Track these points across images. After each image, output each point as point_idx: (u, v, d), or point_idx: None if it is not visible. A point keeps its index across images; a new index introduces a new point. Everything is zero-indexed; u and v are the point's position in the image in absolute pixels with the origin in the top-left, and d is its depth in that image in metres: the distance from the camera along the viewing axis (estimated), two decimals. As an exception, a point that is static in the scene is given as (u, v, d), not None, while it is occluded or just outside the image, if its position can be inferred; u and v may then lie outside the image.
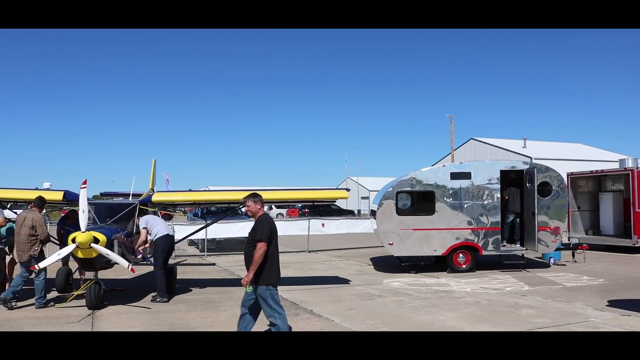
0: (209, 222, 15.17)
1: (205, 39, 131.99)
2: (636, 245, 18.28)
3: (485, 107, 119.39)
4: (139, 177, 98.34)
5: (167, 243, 11.35)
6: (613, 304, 10.23)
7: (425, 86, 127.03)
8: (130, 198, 14.48)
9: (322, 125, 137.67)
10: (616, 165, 20.62)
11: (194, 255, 20.33)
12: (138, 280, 13.28)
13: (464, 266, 14.61)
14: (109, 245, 9.91)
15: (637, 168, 18.84)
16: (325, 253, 20.93)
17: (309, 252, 21.08)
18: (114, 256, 9.65)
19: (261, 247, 6.65)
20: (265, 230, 6.74)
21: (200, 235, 18.75)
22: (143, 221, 11.31)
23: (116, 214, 11.47)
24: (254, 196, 7.10)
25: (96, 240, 9.54)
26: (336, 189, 11.69)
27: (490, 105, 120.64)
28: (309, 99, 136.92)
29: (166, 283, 11.12)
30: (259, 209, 7.05)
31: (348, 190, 11.65)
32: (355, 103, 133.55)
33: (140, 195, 14.30)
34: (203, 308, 10.31)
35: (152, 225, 11.30)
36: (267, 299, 6.77)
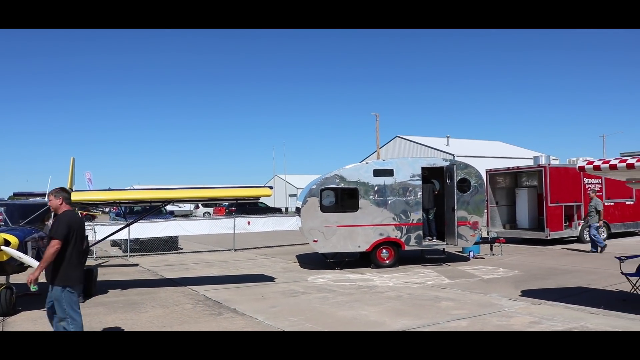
0: (129, 221, 14.77)
1: (123, 36, 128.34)
2: (548, 238, 19.21)
3: (411, 106, 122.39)
4: (56, 177, 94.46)
5: None
6: (525, 293, 10.73)
7: (352, 84, 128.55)
8: (46, 198, 13.88)
9: (249, 123, 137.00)
10: (531, 162, 21.55)
11: (117, 256, 19.77)
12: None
13: (387, 261, 14.90)
14: (22, 248, 9.48)
15: (549, 165, 19.78)
16: (251, 251, 20.84)
17: (235, 250, 20.94)
18: (26, 259, 9.20)
19: (54, 245, 6.19)
20: (61, 228, 6.27)
21: (123, 235, 18.27)
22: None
23: (30, 215, 11.00)
24: (57, 191, 6.61)
25: (7, 243, 9.11)
26: (259, 186, 11.58)
27: (415, 103, 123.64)
28: (235, 97, 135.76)
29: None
30: (60, 204, 6.57)
31: (271, 187, 11.62)
32: (281, 101, 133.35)
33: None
34: (124, 310, 10.06)
35: None
36: (61, 301, 6.28)
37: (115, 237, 17.39)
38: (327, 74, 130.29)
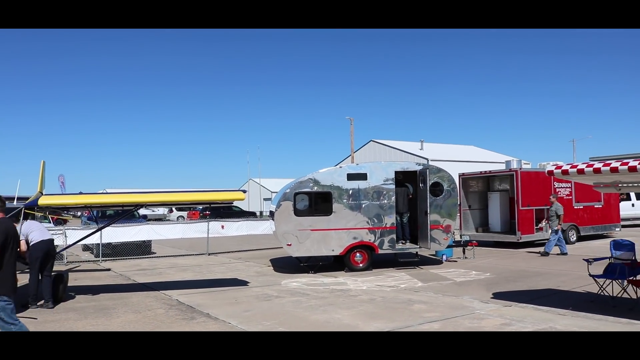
0: (101, 225, 14.60)
1: (90, 37, 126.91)
2: (520, 241, 19.49)
3: (386, 110, 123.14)
4: (26, 180, 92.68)
5: (41, 249, 10.81)
6: (497, 296, 10.86)
7: (327, 87, 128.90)
8: (15, 202, 13.69)
9: (223, 126, 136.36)
10: (503, 167, 21.83)
11: (88, 261, 19.52)
12: (24, 289, 12.56)
13: (361, 265, 14.96)
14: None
15: (520, 169, 20.08)
16: (225, 255, 20.74)
17: (209, 254, 20.81)
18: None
19: None
20: None
21: (94, 239, 18.04)
22: (21, 228, 10.72)
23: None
24: None
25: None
26: (232, 190, 11.54)
27: (390, 108, 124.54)
28: (210, 100, 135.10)
29: (51, 290, 10.68)
30: None
31: (245, 191, 11.60)
32: (256, 104, 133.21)
33: (27, 199, 13.55)
34: (95, 316, 9.94)
35: (28, 232, 10.77)
36: None
37: (86, 241, 17.20)
38: (302, 77, 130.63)
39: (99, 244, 19.12)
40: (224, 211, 41.22)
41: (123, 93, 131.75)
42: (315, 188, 14.76)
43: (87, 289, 12.97)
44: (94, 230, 14.74)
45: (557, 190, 20.73)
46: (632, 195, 28.88)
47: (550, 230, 18.07)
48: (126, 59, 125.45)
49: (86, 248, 22.45)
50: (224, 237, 22.67)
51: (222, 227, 21.80)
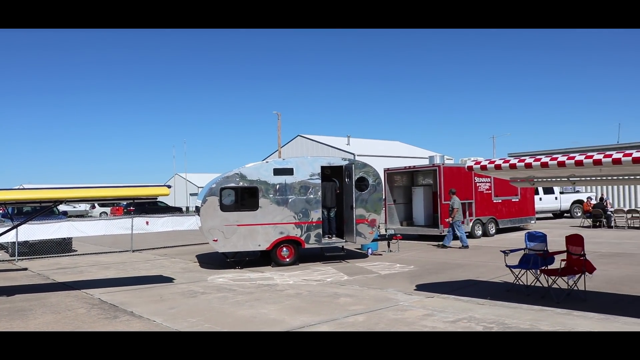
0: (17, 223, 13.94)
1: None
2: (442, 234, 20.07)
3: (313, 105, 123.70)
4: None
5: None
6: (420, 287, 11.17)
7: (254, 81, 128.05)
8: None
9: (148, 120, 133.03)
10: (427, 162, 22.41)
11: (3, 261, 18.60)
12: None
13: (287, 260, 15.01)
14: None
15: (443, 164, 20.69)
16: (149, 252, 20.29)
17: (133, 251, 20.30)
18: None
19: None
20: None
21: (10, 237, 17.21)
22: None
23: None
24: None
25: None
26: (157, 185, 11.27)
27: (317, 102, 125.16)
28: (134, 93, 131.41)
29: None
30: None
31: (170, 187, 11.35)
32: (182, 98, 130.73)
33: None
34: (9, 318, 9.48)
35: None
36: None
37: (1, 239, 16.37)
38: (229, 70, 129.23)
39: (14, 243, 18.25)
40: (149, 207, 40.26)
41: (41, 87, 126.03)
42: (242, 183, 14.67)
43: (0, 290, 12.37)
44: (10, 227, 14.05)
45: (478, 185, 21.50)
46: (540, 189, 30.50)
47: (452, 224, 18.71)
48: (48, 52, 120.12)
49: (0, 247, 21.40)
50: (149, 234, 22.14)
51: (147, 223, 21.30)
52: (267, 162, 15.55)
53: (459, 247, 18.20)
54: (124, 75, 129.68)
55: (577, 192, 33.08)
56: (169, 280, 13.33)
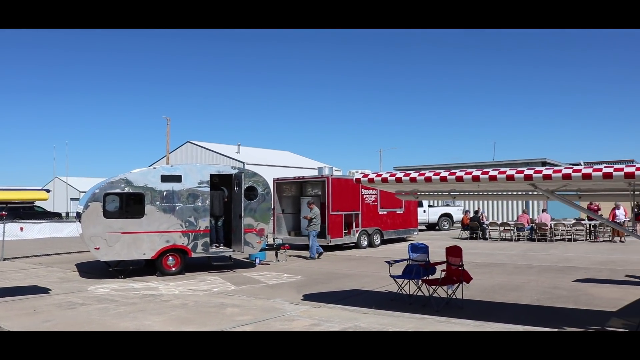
0: None
1: None
2: (330, 244, 20.41)
3: (203, 111, 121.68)
4: None
5: None
6: (307, 297, 11.26)
7: (144, 85, 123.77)
8: None
9: (26, 120, 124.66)
10: (316, 173, 22.71)
11: None
12: None
13: (173, 269, 14.60)
14: None
15: (332, 176, 21.05)
16: (23, 260, 18.96)
17: (4, 259, 18.90)
18: None
19: None
20: None
21: None
22: None
23: None
24: None
25: None
26: (34, 189, 10.60)
27: (208, 109, 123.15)
28: (10, 91, 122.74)
29: None
30: None
31: (48, 191, 10.71)
32: (64, 97, 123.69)
33: None
34: None
35: None
36: None
37: None
38: (117, 73, 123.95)
39: None
40: (24, 212, 37.64)
41: None
42: (127, 189, 14.11)
43: None
44: None
45: (364, 196, 22.08)
46: (424, 202, 32.08)
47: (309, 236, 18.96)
48: None
49: None
50: (24, 240, 20.75)
51: (21, 229, 19.97)
52: (154, 168, 15.09)
53: (309, 258, 18.50)
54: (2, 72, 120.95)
55: (447, 205, 35.00)
56: (44, 290, 12.51)
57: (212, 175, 15.47)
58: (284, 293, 11.87)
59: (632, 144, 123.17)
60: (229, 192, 16.31)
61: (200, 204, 14.99)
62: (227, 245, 16.20)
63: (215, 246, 15.86)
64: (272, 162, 56.96)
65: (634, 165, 7.48)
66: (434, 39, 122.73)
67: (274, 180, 22.15)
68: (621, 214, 24.43)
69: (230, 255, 16.12)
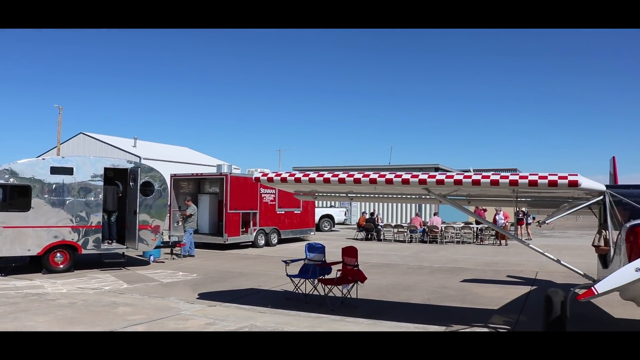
0: None
1: None
2: (227, 243, 20.26)
3: (99, 102, 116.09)
4: None
5: None
6: (203, 296, 11.13)
7: (32, 71, 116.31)
8: None
9: None
10: (214, 170, 22.45)
11: None
12: None
13: (61, 266, 13.92)
14: None
15: (230, 174, 20.91)
16: None
17: None
18: None
19: None
20: None
21: None
22: None
23: None
24: None
25: None
26: None
27: (103, 100, 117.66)
28: None
29: None
30: None
31: None
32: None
33: None
34: None
35: None
36: None
37: None
38: (5, 58, 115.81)
39: None
40: None
41: None
42: (12, 180, 13.29)
43: None
44: None
45: (263, 195, 22.10)
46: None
47: (185, 233, 18.53)
48: None
49: None
50: None
51: None
52: (43, 159, 14.33)
53: (179, 256, 17.98)
54: None
55: (331, 207, 35.76)
56: None
57: (106, 169, 14.92)
58: (179, 292, 11.67)
59: (516, 153, 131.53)
60: (123, 187, 15.78)
61: (92, 199, 14.40)
62: (120, 242, 15.66)
63: (108, 243, 15.30)
64: (171, 158, 55.62)
65: (518, 174, 8.05)
66: (334, 39, 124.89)
67: (171, 177, 21.69)
68: (500, 219, 26.09)
69: (123, 253, 15.59)
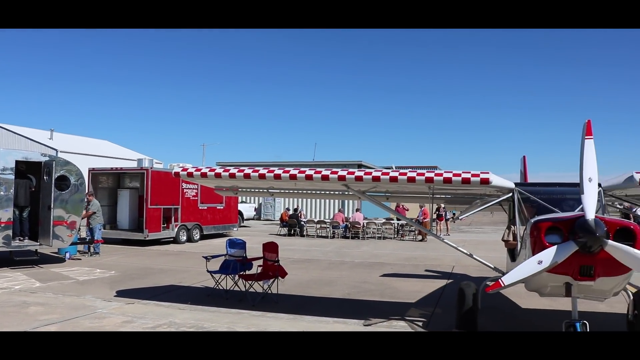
0: None
1: None
2: (147, 239, 19.83)
3: (11, 93, 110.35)
4: None
5: None
6: (121, 294, 10.89)
7: None
8: None
9: None
10: (135, 164, 21.91)
11: None
12: None
13: (-33, 264, 13.24)
14: None
15: (151, 168, 20.46)
16: None
17: None
18: None
19: None
20: None
21: None
22: None
23: None
24: None
25: None
26: None
27: (17, 91, 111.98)
28: None
29: None
30: None
31: None
32: None
33: None
34: None
35: None
36: None
37: None
38: None
39: None
40: None
41: None
42: None
43: None
44: None
45: (185, 191, 21.76)
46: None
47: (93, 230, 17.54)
48: None
49: None
50: None
51: None
52: (-54, 151, 13.56)
53: (92, 254, 17.20)
54: None
55: (242, 202, 35.71)
56: None
57: (17, 162, 14.26)
58: (96, 289, 11.34)
59: (438, 150, 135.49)
60: (37, 181, 15.14)
61: (2, 193, 13.73)
62: (33, 238, 15.02)
63: (19, 239, 14.64)
64: (90, 151, 53.59)
65: (433, 172, 8.34)
66: (258, 33, 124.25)
67: (89, 171, 20.98)
68: (419, 216, 26.86)
69: (36, 250, 14.95)
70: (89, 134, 77.54)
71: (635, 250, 5.85)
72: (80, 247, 17.25)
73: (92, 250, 17.26)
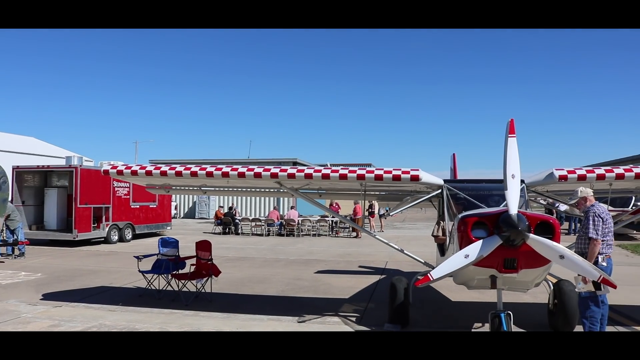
0: None
1: None
2: (77, 239, 19.21)
3: None
4: None
5: None
6: (48, 297, 10.53)
7: None
8: None
9: None
10: (63, 162, 21.17)
11: None
12: None
13: None
14: None
15: (81, 166, 19.83)
16: None
17: None
18: None
19: None
20: None
21: None
22: None
23: None
24: None
25: None
26: None
27: None
28: None
29: None
30: None
31: None
32: None
33: None
34: None
35: None
36: None
37: None
38: None
39: None
40: None
41: None
42: None
43: None
44: None
45: (116, 189, 21.21)
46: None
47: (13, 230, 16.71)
48: None
49: None
50: None
51: None
52: None
53: (17, 256, 16.55)
54: None
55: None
56: None
57: None
58: (21, 293, 10.92)
59: (372, 148, 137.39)
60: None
61: None
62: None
63: None
64: (14, 148, 51.33)
65: (365, 169, 8.48)
66: (196, 31, 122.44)
67: (13, 169, 20.14)
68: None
69: (-45, 253, 14.29)
70: (14, 130, 74.12)
71: (554, 243, 6.14)
72: (3, 250, 16.56)
73: (16, 252, 16.58)
